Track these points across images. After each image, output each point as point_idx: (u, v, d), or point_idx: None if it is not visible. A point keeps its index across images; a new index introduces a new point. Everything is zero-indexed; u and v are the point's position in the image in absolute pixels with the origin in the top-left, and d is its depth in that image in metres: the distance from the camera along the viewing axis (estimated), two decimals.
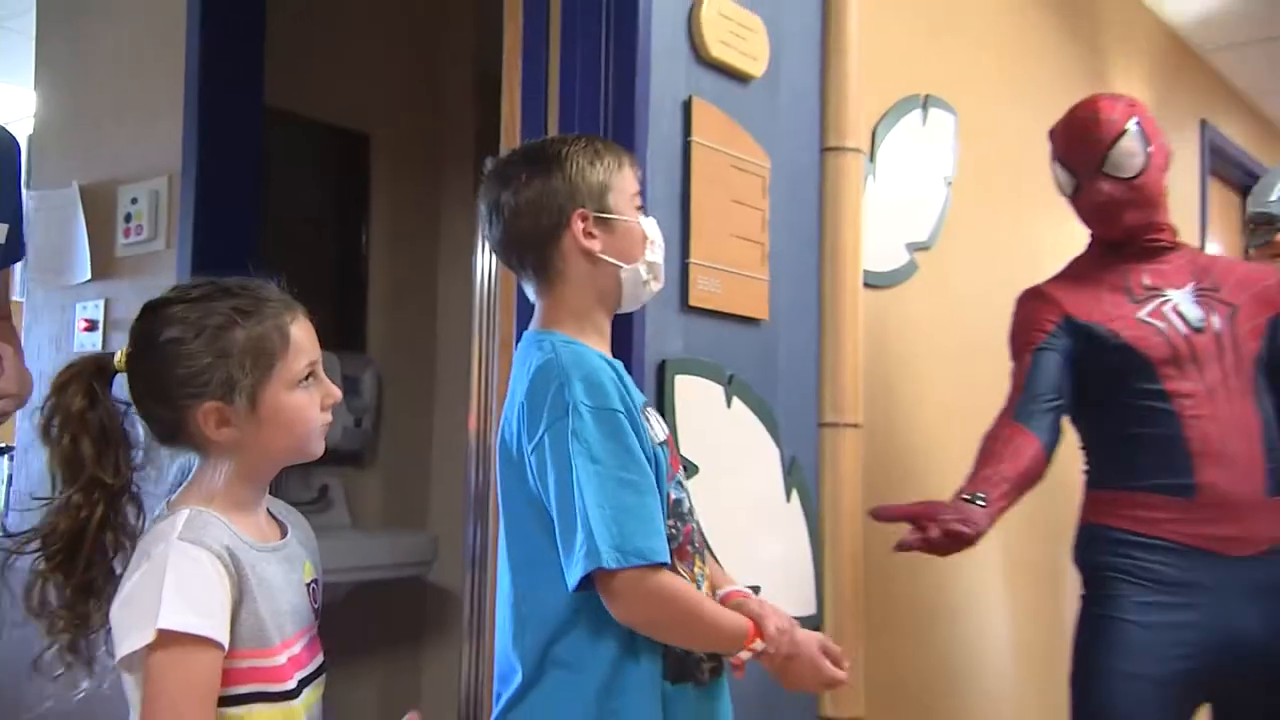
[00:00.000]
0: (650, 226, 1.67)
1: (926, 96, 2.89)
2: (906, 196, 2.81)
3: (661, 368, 2.08)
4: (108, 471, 1.35)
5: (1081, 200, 2.27)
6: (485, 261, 2.79)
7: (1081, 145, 2.24)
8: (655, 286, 1.69)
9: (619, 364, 1.61)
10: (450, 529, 3.52)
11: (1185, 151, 4.60)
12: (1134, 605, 2.10)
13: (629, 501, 1.45)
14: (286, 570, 1.46)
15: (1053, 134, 2.28)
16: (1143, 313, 2.20)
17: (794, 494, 2.38)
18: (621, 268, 1.61)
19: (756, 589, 2.25)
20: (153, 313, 1.39)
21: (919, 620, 2.79)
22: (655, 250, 1.66)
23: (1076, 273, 2.32)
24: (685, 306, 2.13)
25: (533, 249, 1.60)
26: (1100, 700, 2.11)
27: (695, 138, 2.16)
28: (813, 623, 2.40)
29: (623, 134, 2.02)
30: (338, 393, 1.50)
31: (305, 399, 1.43)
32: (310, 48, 3.62)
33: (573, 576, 1.44)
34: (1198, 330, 2.21)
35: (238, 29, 2.85)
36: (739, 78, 2.29)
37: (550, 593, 1.51)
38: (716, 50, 2.20)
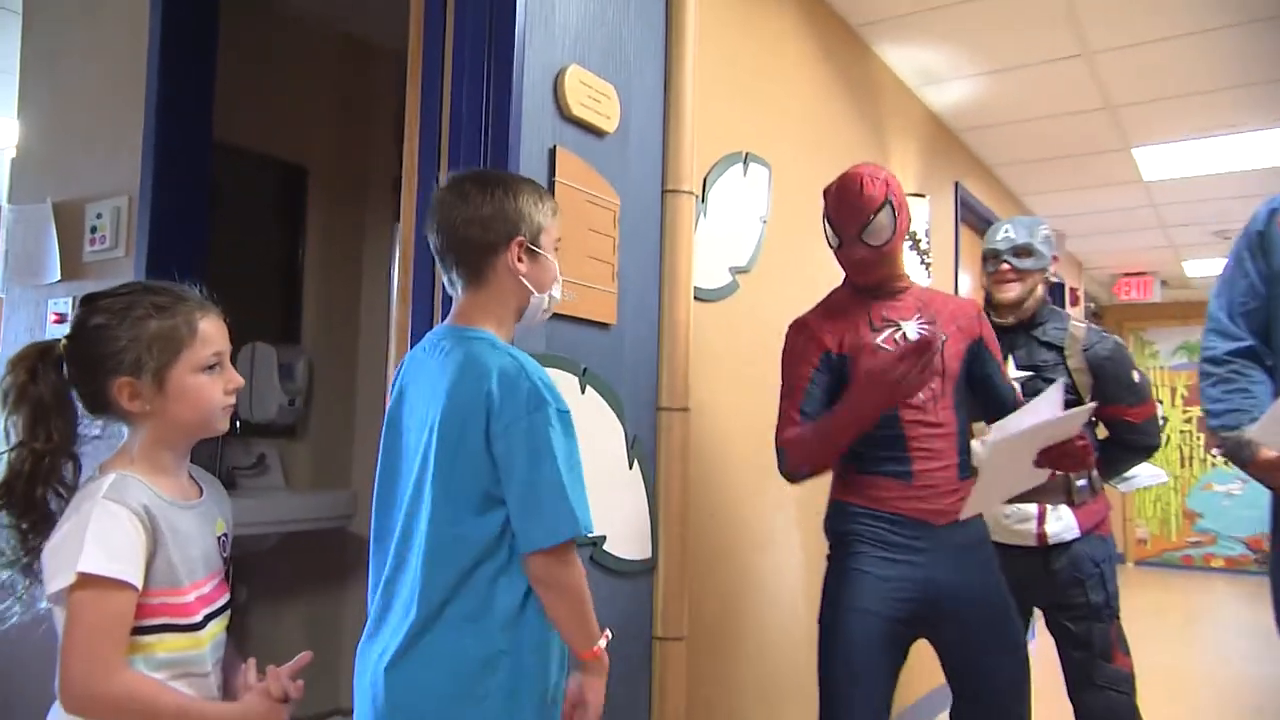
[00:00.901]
0: (557, 268, 1.66)
1: (747, 153, 2.88)
2: (730, 230, 2.79)
3: None
4: (39, 438, 1.31)
5: (842, 254, 2.24)
6: (398, 273, 2.70)
7: (846, 214, 2.20)
8: (547, 315, 1.70)
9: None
10: (368, 488, 3.38)
11: (944, 205, 4.70)
12: (869, 559, 2.13)
13: (581, 489, 1.49)
14: (200, 524, 1.40)
15: (826, 194, 2.26)
16: (879, 339, 2.21)
17: (635, 464, 2.34)
18: (533, 293, 1.61)
19: (603, 538, 2.22)
20: (88, 304, 1.36)
21: (731, 561, 2.78)
22: (557, 288, 1.67)
23: (833, 305, 2.29)
24: None
25: (473, 254, 1.57)
26: (841, 631, 2.13)
27: (558, 179, 2.10)
28: (649, 564, 2.37)
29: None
30: (240, 380, 1.45)
31: (208, 382, 1.38)
32: (264, 94, 3.49)
33: (539, 541, 1.43)
34: None
35: (191, 75, 2.72)
36: (595, 132, 2.24)
37: (466, 547, 1.46)
38: (577, 110, 2.15)
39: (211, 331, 1.39)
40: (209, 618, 1.37)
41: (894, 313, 2.24)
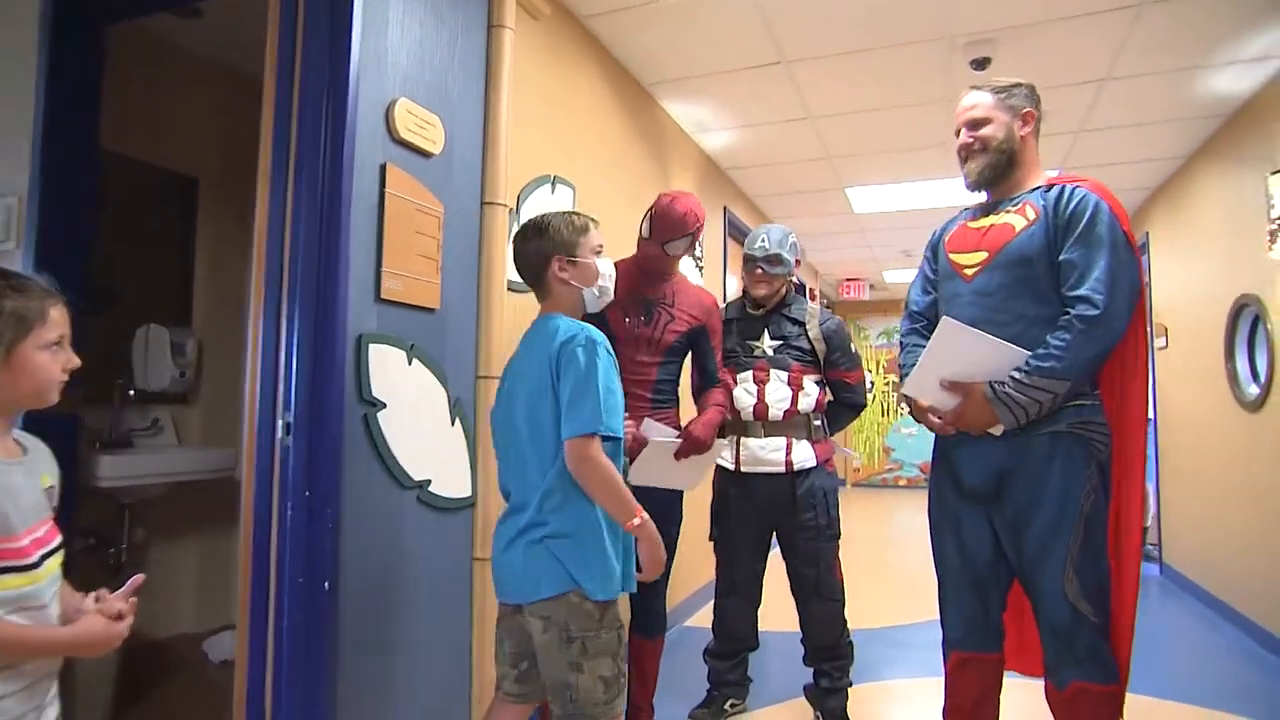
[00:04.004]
0: (603, 265, 1.75)
1: (555, 176, 2.77)
2: None
3: (360, 339, 1.85)
4: None
5: (645, 245, 2.28)
6: (255, 265, 2.45)
7: (665, 224, 2.26)
8: (605, 299, 1.78)
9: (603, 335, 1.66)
10: None
11: (716, 224, 4.74)
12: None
13: (612, 400, 1.58)
14: (26, 477, 1.21)
15: (661, 199, 2.29)
16: (626, 307, 2.28)
17: (457, 421, 2.21)
18: (582, 289, 1.74)
19: (429, 481, 2.09)
20: None
21: None
22: (605, 279, 1.76)
23: (623, 270, 2.28)
24: (378, 298, 1.91)
25: (533, 276, 1.75)
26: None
27: (389, 190, 1.94)
28: (469, 502, 2.25)
29: (337, 187, 1.79)
30: (76, 361, 1.27)
31: (49, 360, 1.21)
32: (161, 117, 3.13)
33: (569, 432, 1.54)
34: (647, 324, 2.34)
35: (78, 88, 2.35)
36: (422, 154, 2.08)
37: (547, 456, 1.61)
38: (405, 135, 1.99)
39: (57, 316, 1.22)
40: (44, 557, 1.19)
41: (654, 291, 2.37)
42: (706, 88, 3.65)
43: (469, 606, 2.24)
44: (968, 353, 1.84)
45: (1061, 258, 1.82)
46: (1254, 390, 3.71)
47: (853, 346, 2.72)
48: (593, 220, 1.79)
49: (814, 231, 6.44)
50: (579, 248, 1.73)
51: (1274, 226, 3.27)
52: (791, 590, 2.64)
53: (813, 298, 8.04)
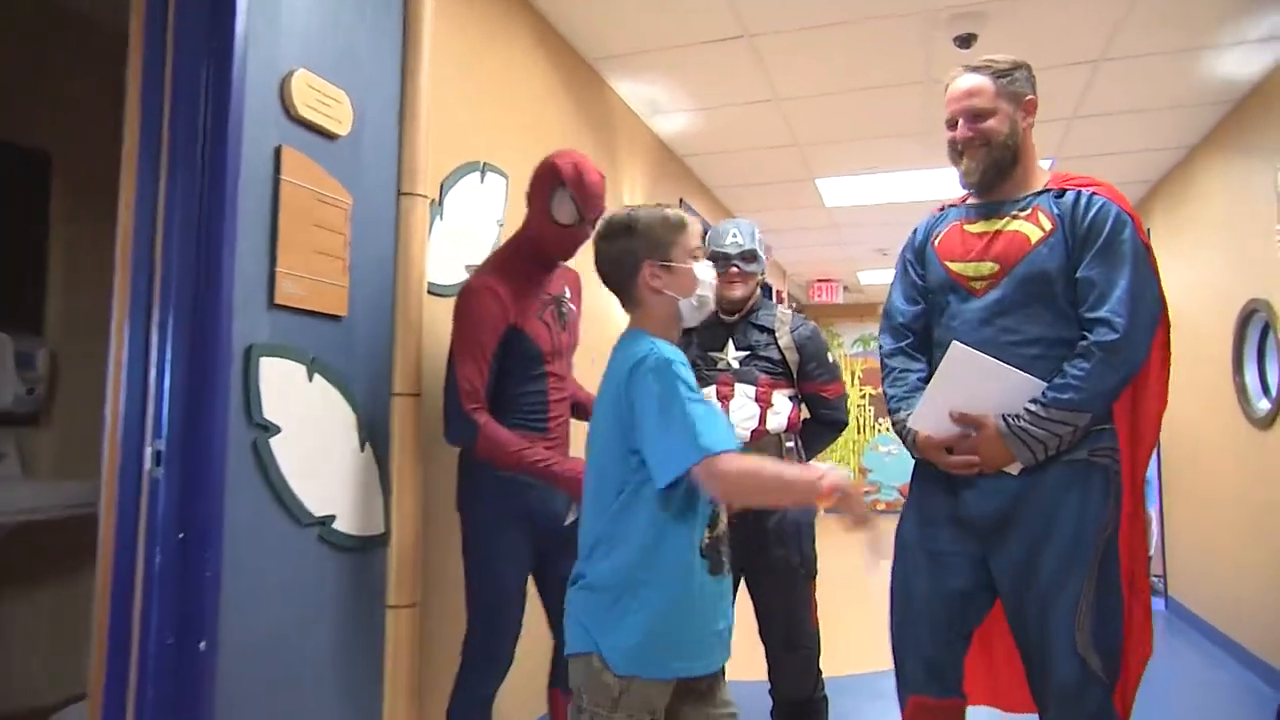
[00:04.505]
0: (702, 270, 1.66)
1: (485, 163, 2.73)
2: (467, 232, 2.63)
3: (249, 351, 1.78)
4: None
5: (568, 230, 2.17)
6: (118, 261, 2.33)
7: (595, 202, 2.18)
8: (706, 310, 1.70)
9: (679, 352, 1.61)
10: None
11: None
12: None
13: (704, 412, 1.50)
14: None
15: (570, 175, 2.17)
16: (542, 313, 2.21)
17: (368, 446, 2.15)
18: (678, 300, 1.64)
19: (332, 517, 2.02)
20: None
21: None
22: (704, 288, 1.66)
23: (511, 273, 2.18)
24: (272, 304, 1.84)
25: (618, 283, 1.67)
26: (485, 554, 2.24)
27: (285, 177, 1.88)
28: (382, 540, 2.19)
29: (220, 172, 1.72)
30: None
31: None
32: (9, 81, 2.98)
33: (674, 471, 1.47)
34: (564, 330, 2.29)
35: None
36: (326, 135, 2.02)
37: (611, 488, 1.56)
38: (304, 112, 1.93)
39: None
40: None
41: (554, 287, 2.30)
42: (660, 64, 3.64)
43: (380, 665, 2.17)
44: (979, 382, 1.86)
45: (1080, 274, 1.84)
46: (1265, 405, 3.82)
47: (830, 356, 2.69)
48: (688, 216, 1.70)
49: (781, 227, 6.49)
50: (674, 249, 1.64)
51: None
52: (760, 636, 2.61)
53: (780, 300, 8.11)
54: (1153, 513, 5.54)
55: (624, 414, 1.54)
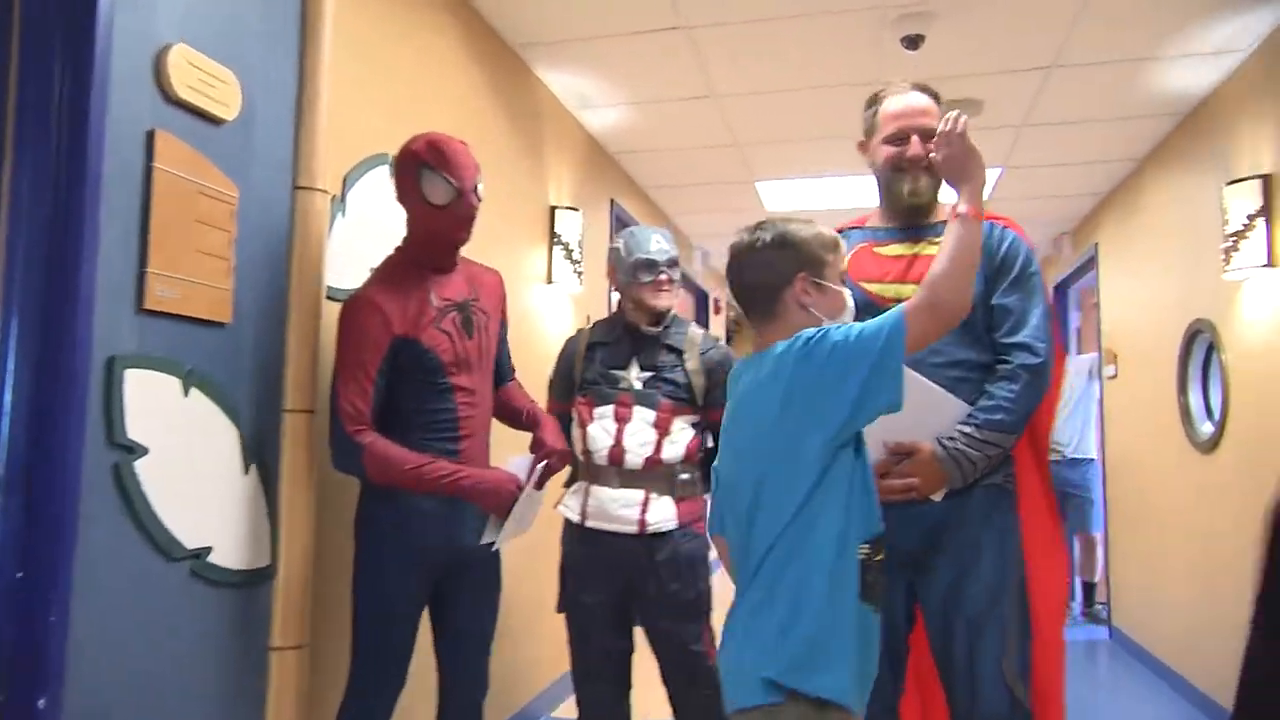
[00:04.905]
0: (847, 296, 1.66)
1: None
2: (372, 229, 2.52)
3: (111, 362, 1.66)
4: None
5: (451, 210, 2.09)
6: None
7: (468, 167, 2.11)
8: None
9: None
10: None
11: (600, 219, 4.68)
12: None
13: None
14: None
15: (424, 152, 2.09)
16: (440, 321, 2.14)
17: (253, 468, 2.04)
18: (824, 322, 1.58)
19: (208, 549, 1.90)
20: None
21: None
22: (849, 314, 1.64)
23: (394, 280, 2.12)
24: (141, 309, 1.73)
25: (764, 295, 1.62)
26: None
27: (158, 165, 1.76)
28: (268, 573, 2.08)
29: (79, 158, 1.60)
30: None
31: None
32: None
33: (893, 330, 1.49)
34: (471, 338, 2.21)
35: None
36: (210, 119, 1.91)
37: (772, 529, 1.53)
38: (183, 93, 1.82)
39: None
40: None
41: (451, 291, 2.20)
42: (591, 54, 3.59)
43: (261, 716, 2.05)
44: (914, 406, 1.87)
45: (995, 301, 1.98)
46: (1208, 428, 3.94)
47: None
48: (840, 237, 1.70)
49: (719, 231, 6.50)
50: (828, 268, 1.63)
51: (1229, 244, 3.48)
52: (662, 678, 2.59)
53: (717, 310, 8.12)
54: (1098, 537, 5.68)
55: (814, 394, 1.50)
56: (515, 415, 2.44)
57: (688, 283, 6.91)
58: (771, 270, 1.62)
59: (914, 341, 1.50)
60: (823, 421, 1.49)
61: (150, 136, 1.75)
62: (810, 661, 1.45)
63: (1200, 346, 4.04)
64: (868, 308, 2.04)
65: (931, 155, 1.66)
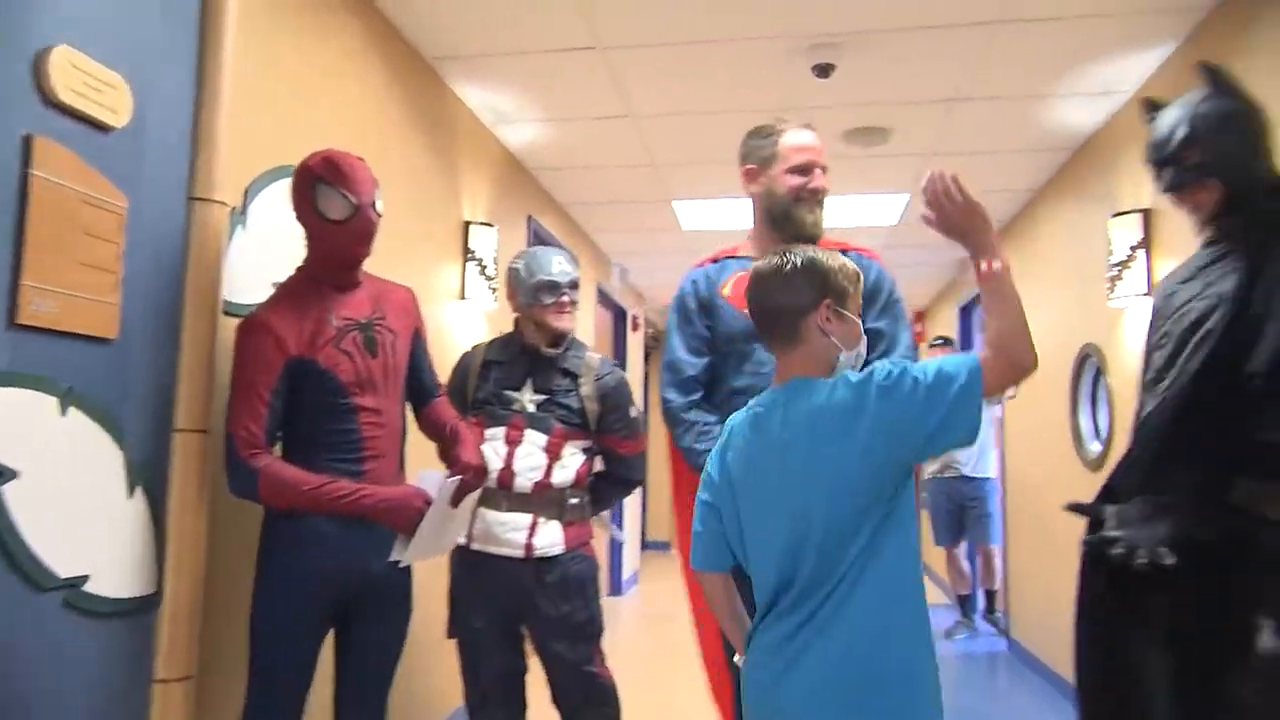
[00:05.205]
0: (860, 327, 1.66)
1: None
2: (277, 243, 2.43)
3: None
4: None
5: (349, 226, 2.03)
6: None
7: (366, 182, 2.05)
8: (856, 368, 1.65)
9: None
10: None
11: (516, 236, 4.62)
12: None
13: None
14: None
15: (319, 167, 2.03)
16: (340, 341, 2.07)
17: (138, 491, 1.93)
18: (840, 352, 1.61)
19: (85, 578, 1.79)
20: None
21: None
22: (863, 346, 1.66)
23: (291, 300, 2.07)
24: (13, 324, 1.61)
25: (787, 322, 1.61)
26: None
27: (37, 172, 1.65)
28: (154, 601, 1.96)
29: None
30: None
31: None
32: None
33: (967, 373, 1.53)
34: (374, 357, 2.13)
35: None
36: (97, 126, 1.81)
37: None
38: (67, 97, 1.71)
39: None
40: None
41: (353, 310, 2.12)
42: (507, 70, 3.55)
43: None
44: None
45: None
46: (1096, 447, 4.08)
47: (632, 410, 2.68)
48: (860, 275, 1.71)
49: (638, 249, 6.51)
50: (849, 299, 1.63)
51: (1114, 273, 3.62)
52: (554, 700, 2.56)
53: (635, 327, 8.12)
54: (996, 549, 5.84)
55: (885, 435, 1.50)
56: (440, 431, 2.37)
57: (605, 299, 6.88)
58: (798, 295, 1.61)
59: (988, 390, 1.55)
60: (902, 452, 1.51)
61: (28, 142, 1.64)
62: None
63: (1089, 370, 4.19)
64: (749, 336, 2.11)
65: (922, 215, 1.66)
